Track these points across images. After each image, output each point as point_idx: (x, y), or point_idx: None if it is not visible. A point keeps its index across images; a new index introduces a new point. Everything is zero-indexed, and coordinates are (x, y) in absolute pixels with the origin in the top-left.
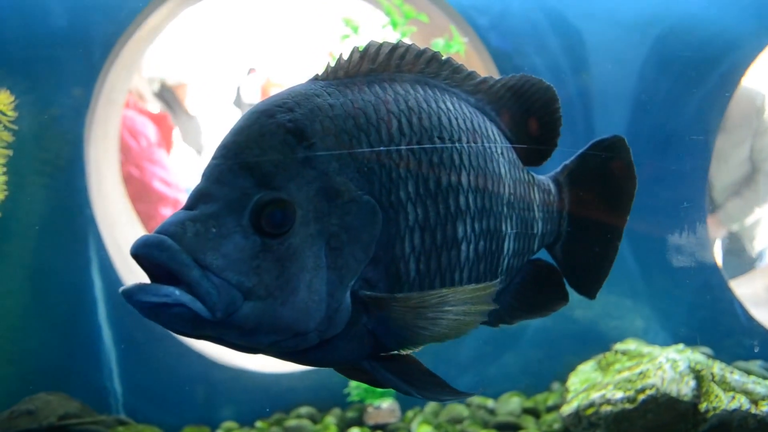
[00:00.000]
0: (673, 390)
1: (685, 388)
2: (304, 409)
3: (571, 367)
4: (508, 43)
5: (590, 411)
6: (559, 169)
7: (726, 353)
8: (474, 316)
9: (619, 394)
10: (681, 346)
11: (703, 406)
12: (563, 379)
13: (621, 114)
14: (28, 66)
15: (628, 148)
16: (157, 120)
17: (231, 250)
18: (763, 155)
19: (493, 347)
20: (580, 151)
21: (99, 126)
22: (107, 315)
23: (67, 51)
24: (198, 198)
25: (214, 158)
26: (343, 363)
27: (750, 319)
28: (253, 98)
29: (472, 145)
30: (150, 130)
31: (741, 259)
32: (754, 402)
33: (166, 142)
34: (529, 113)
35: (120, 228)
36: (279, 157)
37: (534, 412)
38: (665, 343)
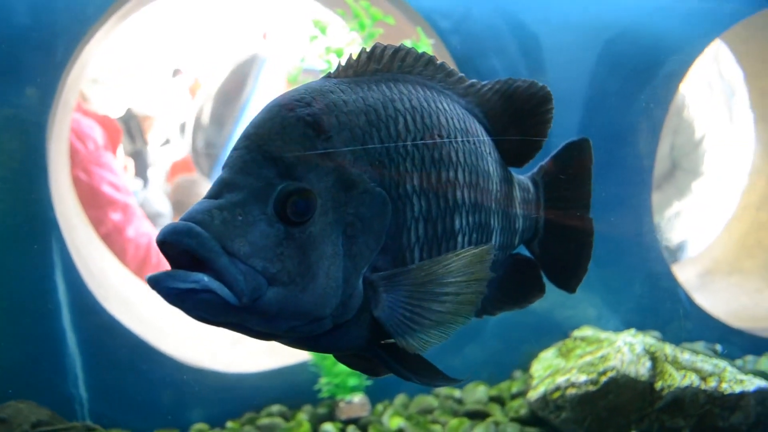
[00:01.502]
0: (631, 371)
1: (642, 369)
2: (275, 408)
3: (531, 356)
4: (469, 45)
5: (556, 394)
6: (536, 169)
7: (672, 336)
8: (474, 288)
9: (583, 377)
10: (633, 331)
11: (658, 385)
12: (524, 368)
13: (575, 113)
14: None
15: (590, 148)
16: (104, 122)
17: (257, 237)
18: (681, 152)
19: (455, 340)
20: (554, 152)
21: (58, 128)
22: (71, 320)
23: (30, 50)
24: (222, 187)
25: (236, 149)
26: (351, 349)
27: (692, 303)
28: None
29: (467, 144)
30: (97, 133)
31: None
32: (703, 379)
33: (112, 144)
34: (516, 115)
35: (77, 232)
36: (300, 149)
37: (499, 400)
38: (617, 329)
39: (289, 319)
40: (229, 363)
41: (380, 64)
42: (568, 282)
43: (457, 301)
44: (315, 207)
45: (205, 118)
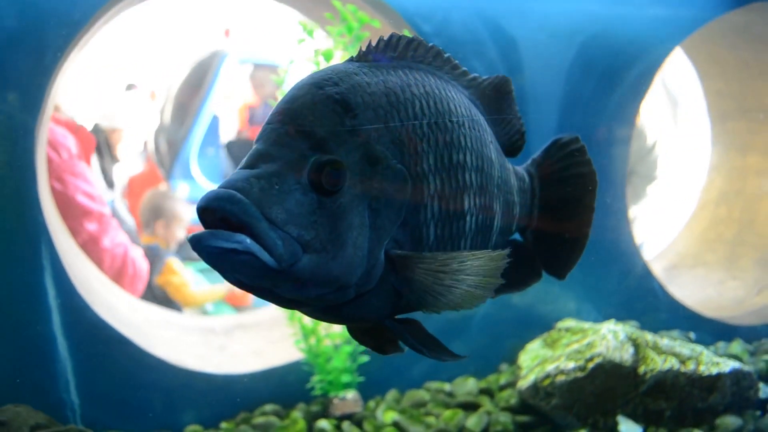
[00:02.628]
0: (616, 357)
1: (626, 355)
2: (269, 407)
3: (516, 349)
4: (451, 48)
5: (546, 382)
6: (528, 161)
7: (648, 326)
8: (484, 289)
9: (571, 364)
10: (613, 321)
11: (641, 369)
12: (510, 360)
13: (551, 112)
14: None
15: (584, 145)
16: (77, 131)
17: (293, 205)
18: (636, 158)
19: (442, 336)
20: (544, 146)
21: (44, 133)
22: (61, 324)
23: (18, 54)
24: (258, 158)
25: (269, 123)
26: (369, 320)
27: (666, 294)
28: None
29: (473, 130)
30: (70, 142)
31: None
32: (683, 362)
33: (86, 154)
34: (499, 109)
35: (59, 240)
36: (330, 125)
37: (488, 392)
38: (597, 321)
39: (319, 286)
40: (218, 365)
41: (396, 52)
42: (559, 269)
43: (466, 296)
44: (345, 178)
45: (167, 117)
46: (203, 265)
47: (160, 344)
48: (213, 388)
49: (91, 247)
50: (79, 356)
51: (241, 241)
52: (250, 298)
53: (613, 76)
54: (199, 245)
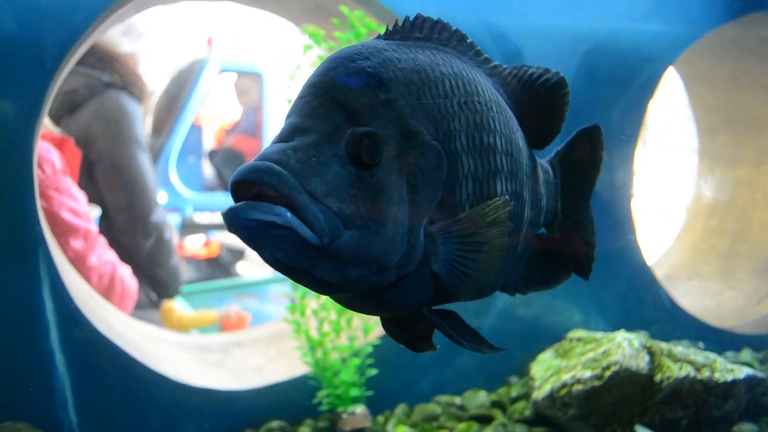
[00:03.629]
0: (632, 365)
1: (642, 363)
2: (275, 423)
3: (525, 361)
4: None
5: (563, 392)
6: (552, 154)
7: (657, 336)
8: (500, 237)
9: (588, 373)
10: (622, 331)
11: (657, 377)
12: (520, 373)
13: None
14: None
15: (602, 133)
16: (61, 145)
17: (332, 178)
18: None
19: (448, 351)
20: (569, 138)
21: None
22: (60, 339)
23: (17, 60)
24: (293, 131)
25: (301, 96)
26: (408, 307)
27: (674, 304)
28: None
29: (501, 115)
30: (54, 156)
31: None
32: (698, 369)
33: (71, 169)
34: (533, 99)
35: (56, 250)
36: (364, 97)
37: (499, 405)
38: (606, 331)
39: (359, 265)
40: (218, 381)
41: (422, 33)
42: (583, 268)
43: (490, 251)
44: (383, 152)
45: (147, 127)
46: (186, 288)
47: (158, 360)
48: (215, 405)
49: (78, 265)
50: (77, 372)
51: (282, 213)
52: (248, 324)
53: (618, 86)
54: (235, 218)
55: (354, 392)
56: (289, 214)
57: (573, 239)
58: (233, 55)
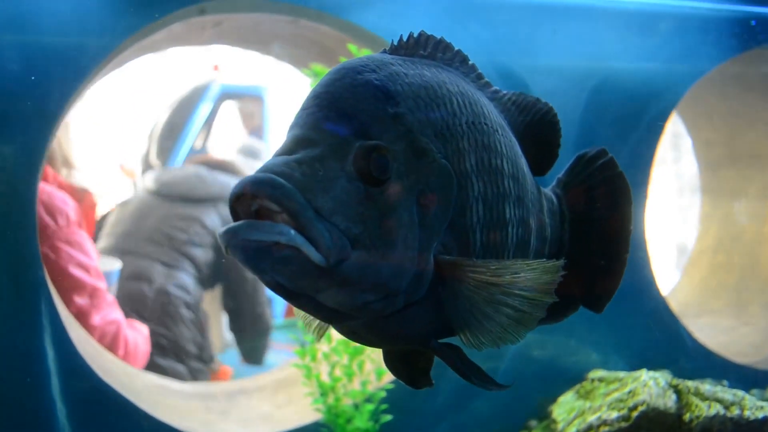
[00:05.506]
0: (660, 404)
1: (670, 402)
2: None
3: (543, 405)
4: None
5: None
6: (554, 183)
7: (680, 374)
8: (536, 308)
9: (614, 414)
10: (644, 370)
11: (686, 417)
12: (539, 416)
13: (566, 156)
14: None
15: (612, 157)
16: (82, 196)
17: (339, 193)
18: None
19: (462, 396)
20: (569, 164)
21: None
22: (61, 389)
23: (21, 100)
24: (296, 143)
25: (305, 108)
26: (416, 338)
27: (694, 341)
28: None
29: (506, 137)
30: (70, 208)
31: None
32: (727, 408)
33: (87, 221)
34: (529, 128)
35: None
36: (372, 110)
37: None
38: (626, 371)
39: (367, 290)
40: (224, 431)
41: (426, 51)
42: (595, 301)
43: (515, 318)
44: (393, 167)
45: (153, 159)
46: None
47: (163, 410)
48: None
49: (80, 321)
50: (78, 423)
51: (285, 231)
52: (229, 377)
53: (627, 121)
54: (234, 239)
55: None
56: (293, 232)
57: (581, 271)
58: (237, 79)
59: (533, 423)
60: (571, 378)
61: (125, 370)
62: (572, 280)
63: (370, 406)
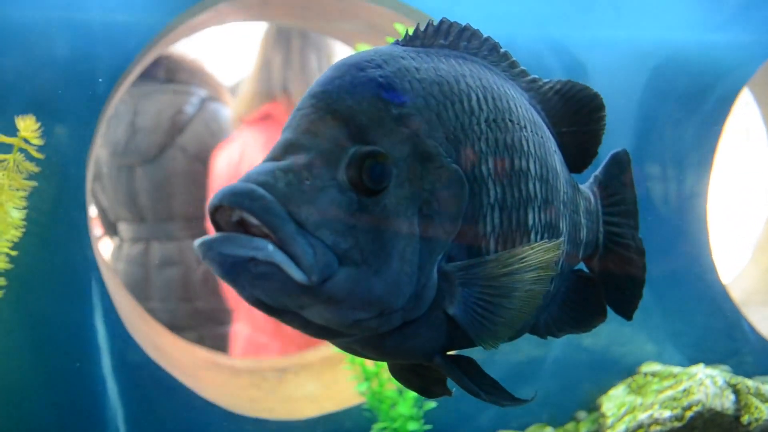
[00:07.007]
0: (717, 405)
1: (727, 402)
2: None
3: (593, 396)
4: None
5: None
6: (591, 179)
7: (739, 370)
8: (541, 284)
9: (667, 413)
10: (702, 366)
11: (745, 419)
12: (588, 408)
13: (624, 140)
14: (28, 97)
15: (630, 159)
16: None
17: (327, 205)
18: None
19: (509, 381)
20: (604, 163)
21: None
22: (112, 366)
23: (70, 84)
24: (286, 148)
25: (299, 109)
26: (417, 355)
27: (757, 335)
28: None
29: (536, 135)
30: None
31: None
32: None
33: None
34: (574, 118)
35: (107, 275)
36: (373, 111)
37: None
38: (681, 365)
39: (357, 308)
40: (270, 410)
41: (447, 41)
42: (626, 307)
43: (525, 298)
44: (391, 175)
45: None
46: None
47: (210, 387)
48: None
49: None
50: (128, 401)
51: (262, 247)
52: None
53: (691, 101)
54: (209, 253)
55: (412, 426)
56: (270, 247)
57: (614, 275)
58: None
59: (582, 415)
60: (623, 369)
61: (175, 345)
62: (605, 284)
63: (413, 393)
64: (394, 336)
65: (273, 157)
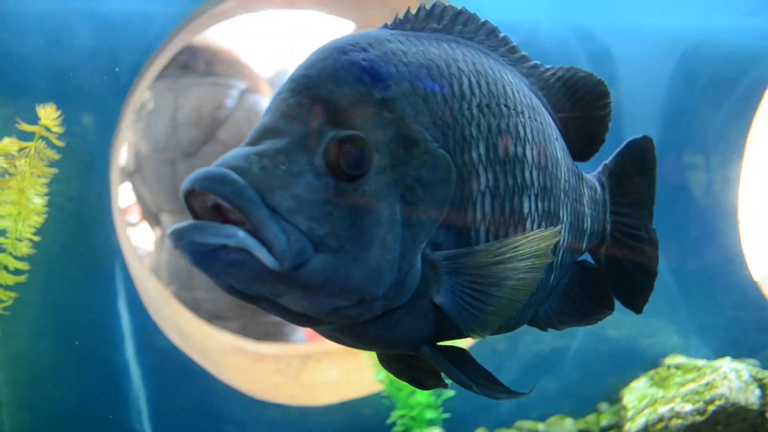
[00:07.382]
0: (741, 399)
1: (752, 397)
2: None
3: (615, 387)
4: (540, 59)
5: (660, 425)
6: (600, 168)
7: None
8: (535, 271)
9: (688, 407)
10: (728, 359)
11: None
12: (610, 399)
13: (651, 127)
14: (51, 86)
15: (654, 147)
16: None
17: (302, 190)
18: None
19: (531, 373)
20: (618, 151)
21: (117, 155)
22: (135, 351)
23: (93, 74)
24: (263, 133)
25: (279, 93)
26: (402, 344)
27: None
28: None
29: (535, 122)
30: None
31: None
32: None
33: None
34: (577, 105)
35: (132, 261)
36: (355, 95)
37: None
38: (707, 358)
39: (334, 296)
40: (291, 396)
41: (440, 24)
42: (636, 300)
43: (517, 287)
44: (371, 160)
45: None
46: None
47: (234, 372)
48: (287, 421)
49: None
50: (151, 385)
51: (232, 234)
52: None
53: (720, 88)
54: (180, 242)
55: (430, 414)
56: (241, 234)
57: (623, 266)
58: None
59: (603, 407)
60: (647, 361)
61: (200, 330)
62: (612, 277)
63: None
64: (377, 324)
65: (249, 142)
